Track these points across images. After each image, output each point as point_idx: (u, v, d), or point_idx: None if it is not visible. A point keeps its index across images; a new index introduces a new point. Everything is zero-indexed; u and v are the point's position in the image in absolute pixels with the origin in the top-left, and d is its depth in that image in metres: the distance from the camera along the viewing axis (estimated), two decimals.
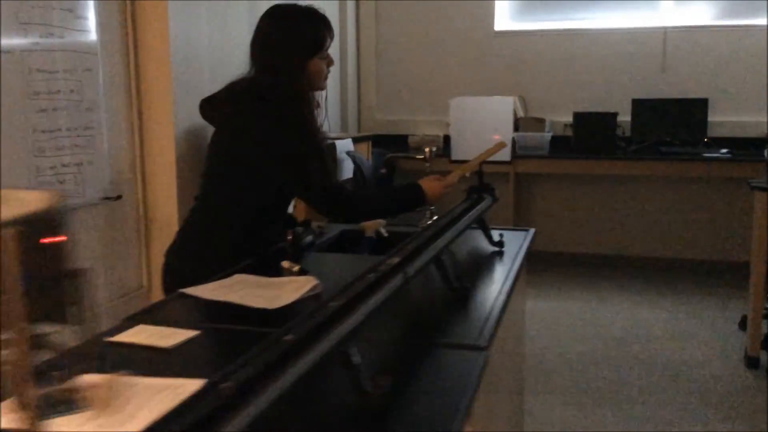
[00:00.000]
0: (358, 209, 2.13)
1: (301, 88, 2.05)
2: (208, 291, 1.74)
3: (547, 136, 5.37)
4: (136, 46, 3.34)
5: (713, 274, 5.32)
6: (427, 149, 2.29)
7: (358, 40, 5.98)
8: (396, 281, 1.37)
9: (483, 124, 2.27)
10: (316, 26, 2.13)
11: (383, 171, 2.49)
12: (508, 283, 1.87)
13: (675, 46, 5.40)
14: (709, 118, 5.23)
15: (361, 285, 1.26)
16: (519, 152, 5.32)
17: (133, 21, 3.29)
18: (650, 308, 4.65)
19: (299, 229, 2.22)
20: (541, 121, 5.48)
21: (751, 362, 3.67)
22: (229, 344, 1.50)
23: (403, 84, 5.92)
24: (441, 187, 2.17)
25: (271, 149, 2.03)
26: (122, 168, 3.30)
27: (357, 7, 5.93)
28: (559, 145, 5.41)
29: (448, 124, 5.78)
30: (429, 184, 2.18)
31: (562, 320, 4.42)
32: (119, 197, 3.22)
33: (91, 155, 3.11)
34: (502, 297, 1.75)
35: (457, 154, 2.29)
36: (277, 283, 1.82)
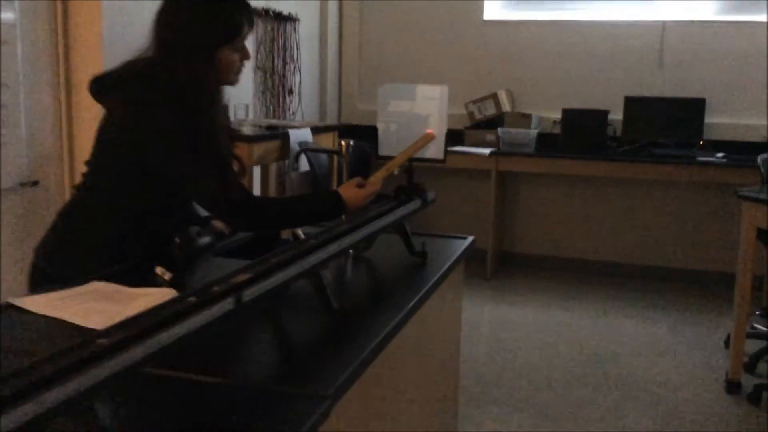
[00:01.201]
0: (262, 220, 1.82)
1: (205, 79, 1.75)
2: (41, 303, 1.47)
3: (533, 132, 5.07)
4: (65, 19, 3.07)
5: (703, 284, 5.00)
6: (343, 142, 2.00)
7: (340, 26, 5.69)
8: (217, 309, 1.09)
9: (414, 115, 1.96)
10: (233, 10, 1.82)
11: (299, 167, 2.19)
12: (409, 303, 1.59)
13: (673, 41, 5.07)
14: (706, 120, 4.91)
15: (151, 317, 0.98)
16: (503, 148, 5.04)
17: None
18: (631, 320, 4.34)
19: (193, 229, 1.95)
20: (528, 116, 5.19)
21: (731, 387, 3.37)
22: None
23: (387, 73, 5.62)
24: (363, 196, 1.89)
25: (161, 144, 1.74)
26: (44, 152, 3.03)
27: None
28: (546, 143, 5.12)
29: None
30: (349, 192, 1.89)
31: (534, 332, 4.12)
32: (36, 183, 2.96)
33: (5, 136, 2.85)
34: (392, 324, 1.46)
35: (384, 149, 1.98)
36: (131, 295, 1.55)
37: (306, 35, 5.13)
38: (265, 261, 1.35)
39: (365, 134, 5.80)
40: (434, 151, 2.04)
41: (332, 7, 5.51)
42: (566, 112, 5.05)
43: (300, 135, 3.40)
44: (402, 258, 1.99)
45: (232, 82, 1.84)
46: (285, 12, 4.75)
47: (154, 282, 1.69)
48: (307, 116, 5.21)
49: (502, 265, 5.42)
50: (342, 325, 1.47)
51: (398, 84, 2.04)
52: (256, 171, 4.24)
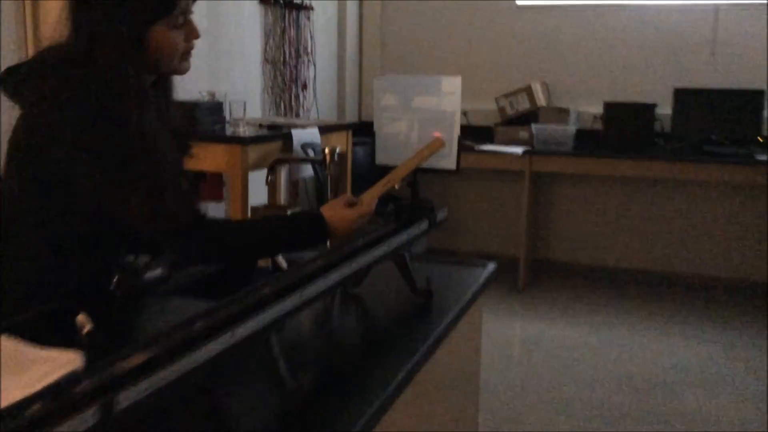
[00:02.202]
0: (215, 248, 1.40)
1: (130, 68, 1.32)
2: None
3: (572, 129, 4.60)
4: (35, 21, 2.73)
5: (765, 299, 4.48)
6: (326, 150, 1.59)
7: (360, 15, 5.27)
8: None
9: (420, 114, 1.53)
10: None
11: (270, 178, 1.77)
12: (407, 364, 1.17)
13: (728, 26, 4.55)
14: (765, 113, 4.38)
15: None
16: (537, 147, 4.58)
17: None
18: (681, 339, 3.85)
19: (142, 258, 1.55)
20: (566, 111, 4.72)
21: None
22: None
23: (411, 65, 5.19)
24: (353, 218, 1.48)
25: (74, 154, 1.33)
26: None
27: None
28: (586, 141, 4.65)
29: (464, 112, 5.06)
30: (335, 213, 1.48)
31: (572, 355, 3.66)
32: None
33: None
34: (383, 396, 1.05)
35: (381, 157, 1.56)
36: (31, 359, 1.15)
37: (322, 25, 4.72)
38: (221, 308, 0.98)
39: None
40: (445, 159, 1.62)
41: None
42: (608, 107, 4.57)
43: (305, 135, 3.00)
44: (404, 295, 1.57)
45: (178, 69, 1.42)
46: (297, 0, 4.35)
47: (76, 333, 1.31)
48: (323, 113, 4.80)
49: (536, 275, 4.96)
50: (304, 405, 1.06)
51: (399, 75, 1.62)
52: (257, 177, 3.84)
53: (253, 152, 2.85)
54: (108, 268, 1.45)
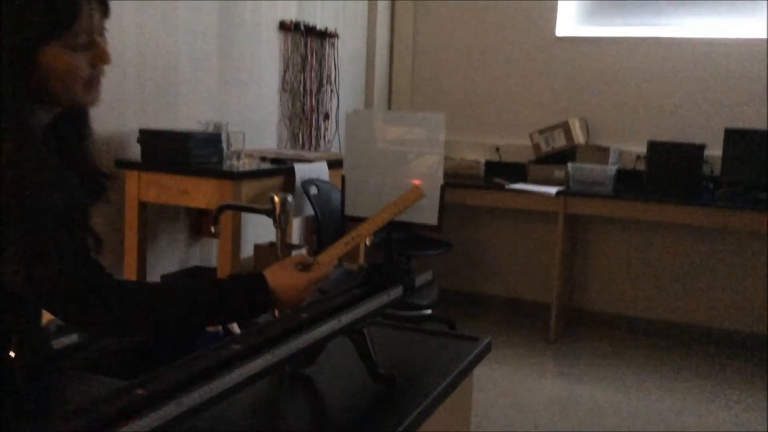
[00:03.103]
0: (118, 320, 1.12)
1: (14, 97, 1.05)
2: None
3: (612, 169, 4.26)
4: None
5: None
6: (276, 198, 1.33)
7: (391, 43, 5.05)
8: None
9: (396, 158, 1.25)
10: None
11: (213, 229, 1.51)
12: None
13: None
14: None
15: None
16: (573, 187, 4.26)
17: None
18: (729, 410, 3.45)
19: (50, 326, 1.31)
20: (605, 150, 4.39)
21: None
22: None
23: (442, 96, 4.95)
24: (304, 284, 1.22)
25: None
26: None
27: (392, 6, 5.01)
28: (627, 182, 4.31)
29: (496, 148, 4.80)
30: (282, 277, 1.22)
31: (608, 422, 3.30)
32: None
33: None
34: None
35: (351, 207, 1.29)
36: None
37: (348, 54, 4.51)
38: (140, 386, 0.75)
39: None
40: (425, 212, 1.34)
41: (381, 23, 4.88)
42: (652, 146, 4.23)
43: (309, 170, 2.76)
44: (367, 379, 1.29)
45: (81, 100, 1.15)
46: (320, 26, 4.14)
47: None
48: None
49: (569, 326, 4.60)
50: None
51: (372, 110, 1.36)
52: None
53: (249, 188, 2.62)
54: (7, 335, 1.21)
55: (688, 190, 4.12)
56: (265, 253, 3.19)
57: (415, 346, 1.50)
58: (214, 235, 1.45)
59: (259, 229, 3.52)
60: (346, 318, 1.19)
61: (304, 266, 1.27)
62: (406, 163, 1.35)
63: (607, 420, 3.28)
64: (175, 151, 2.61)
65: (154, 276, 2.82)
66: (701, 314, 4.44)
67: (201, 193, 2.57)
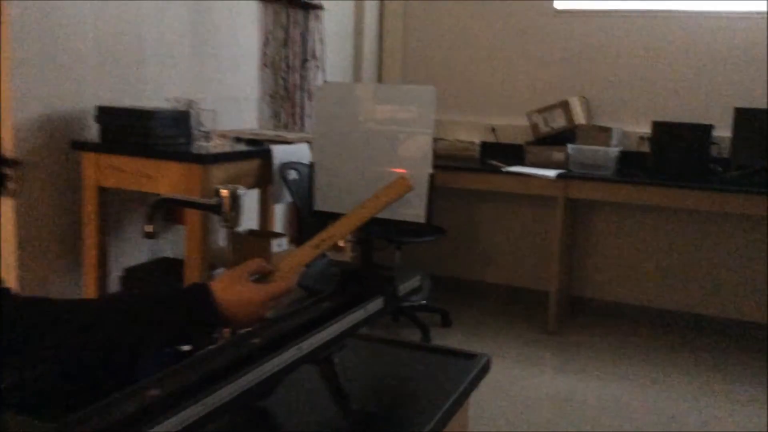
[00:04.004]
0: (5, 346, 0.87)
1: None
2: None
3: (614, 151, 4.02)
4: None
5: None
6: (224, 193, 1.08)
7: (381, 17, 4.76)
8: None
9: (376, 142, 0.99)
10: None
11: (149, 228, 1.25)
12: None
13: None
14: None
15: None
16: (574, 170, 4.01)
17: None
18: (735, 404, 3.23)
19: None
20: (607, 130, 4.14)
21: None
22: None
23: (436, 73, 4.68)
24: (258, 299, 0.97)
25: None
26: None
27: None
28: (631, 165, 4.07)
29: (492, 128, 4.54)
30: (233, 291, 0.97)
31: (601, 415, 3.07)
32: None
33: None
34: None
35: (322, 201, 1.02)
36: None
37: (334, 28, 4.23)
38: None
39: None
40: (411, 206, 1.09)
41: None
42: (657, 126, 3.98)
43: (289, 153, 2.49)
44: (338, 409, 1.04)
45: None
46: None
47: None
48: None
49: (570, 315, 4.37)
50: None
51: (347, 83, 1.10)
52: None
53: (219, 172, 2.36)
54: None
55: (695, 172, 3.89)
56: (244, 242, 2.93)
57: (399, 366, 1.26)
58: (150, 235, 1.21)
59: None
60: (310, 344, 0.94)
61: (261, 276, 1.02)
62: (389, 146, 1.10)
63: (610, 417, 3.06)
64: (136, 131, 2.35)
65: (116, 269, 2.57)
66: (709, 304, 4.21)
67: (165, 178, 2.30)
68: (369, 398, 1.04)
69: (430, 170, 1.07)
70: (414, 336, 3.86)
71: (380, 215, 1.10)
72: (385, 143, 1.09)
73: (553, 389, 3.40)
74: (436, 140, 4.51)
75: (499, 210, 4.62)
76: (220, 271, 2.91)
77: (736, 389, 3.41)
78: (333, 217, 1.13)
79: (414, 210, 1.08)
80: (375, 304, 1.09)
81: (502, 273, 4.65)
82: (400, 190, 1.06)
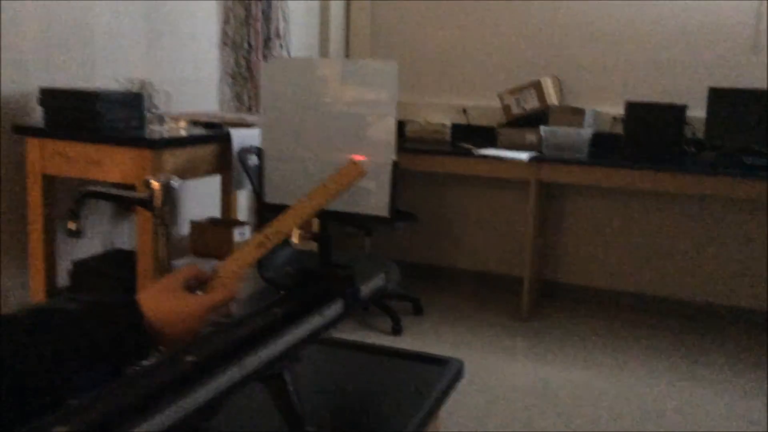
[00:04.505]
0: None
1: None
2: None
3: (587, 132, 3.92)
4: None
5: None
6: (155, 184, 0.95)
7: None
8: None
9: (330, 123, 0.85)
10: None
11: (73, 226, 1.12)
12: None
13: None
14: None
15: None
16: (546, 153, 3.91)
17: None
18: (716, 390, 3.17)
19: None
20: (580, 111, 4.05)
21: None
22: None
23: (405, 53, 4.54)
24: (197, 310, 0.85)
25: None
26: None
27: None
28: (603, 147, 3.99)
29: (463, 110, 4.42)
30: (164, 302, 0.84)
31: (577, 406, 3.00)
32: None
33: None
34: None
35: (271, 191, 0.88)
36: None
37: (299, 6, 4.07)
38: None
39: None
40: (372, 200, 0.96)
41: None
42: (631, 107, 3.89)
43: (249, 137, 2.34)
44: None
45: None
46: None
47: None
48: None
49: (543, 301, 4.30)
50: None
51: (297, 58, 0.96)
52: (203, 184, 3.20)
53: (173, 158, 2.20)
54: None
55: (669, 154, 3.82)
56: (204, 231, 2.79)
57: (362, 375, 1.13)
58: (75, 233, 1.08)
59: (202, 201, 3.11)
60: (255, 360, 0.81)
61: (198, 283, 0.89)
62: (347, 130, 0.96)
63: (585, 406, 2.98)
64: (82, 115, 2.18)
65: (65, 262, 2.41)
66: (685, 288, 4.16)
67: (114, 165, 2.15)
68: (327, 417, 0.92)
69: (394, 156, 0.95)
70: (385, 324, 3.75)
71: (339, 208, 0.97)
72: (342, 126, 0.96)
73: (526, 378, 3.31)
74: (405, 122, 4.39)
75: (470, 194, 4.52)
76: (183, 262, 2.76)
77: (714, 375, 3.36)
78: (281, 209, 1.00)
79: (376, 201, 0.96)
80: (334, 309, 0.97)
81: (474, 259, 4.56)
82: (352, 177, 0.93)
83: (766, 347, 3.70)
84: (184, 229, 2.94)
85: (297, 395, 0.88)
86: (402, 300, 3.99)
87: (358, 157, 0.96)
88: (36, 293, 2.34)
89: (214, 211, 3.26)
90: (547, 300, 4.32)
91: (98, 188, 1.07)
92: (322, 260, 1.00)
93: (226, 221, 2.83)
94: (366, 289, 1.05)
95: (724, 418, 2.94)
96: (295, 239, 0.99)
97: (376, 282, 1.08)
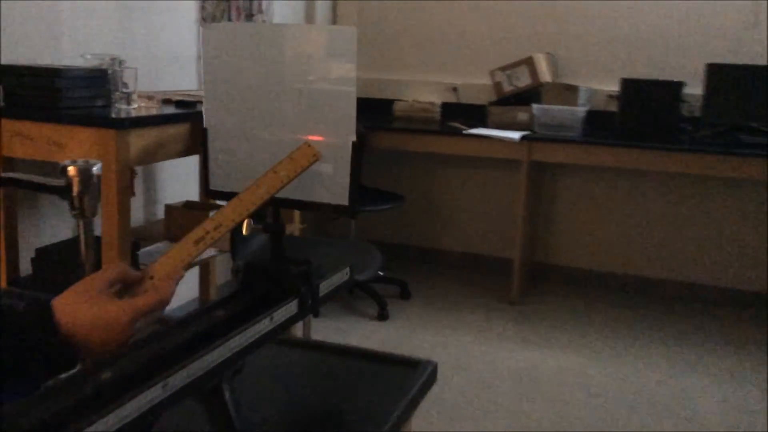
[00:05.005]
0: None
1: None
2: None
3: (581, 111, 3.80)
4: None
5: None
6: (71, 171, 0.83)
7: None
8: None
9: (280, 99, 0.72)
10: None
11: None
12: None
13: None
14: None
15: None
16: (539, 131, 3.80)
17: None
18: (711, 378, 3.08)
19: None
20: (574, 89, 3.93)
21: None
22: None
23: (393, 28, 4.40)
24: (122, 317, 0.73)
25: None
26: None
27: None
28: (598, 125, 3.88)
29: (453, 88, 4.30)
30: (84, 308, 0.73)
31: (567, 393, 2.90)
32: None
33: None
34: None
35: (216, 177, 0.76)
36: None
37: None
38: None
39: (369, 111, 4.62)
40: (330, 187, 0.85)
41: None
42: (626, 84, 3.77)
43: None
44: None
45: None
46: None
47: None
48: None
49: (534, 283, 4.20)
50: None
51: (244, 24, 0.84)
52: (178, 165, 3.07)
53: (140, 139, 2.08)
54: None
55: (665, 132, 3.70)
56: (178, 216, 2.67)
57: (323, 382, 1.02)
58: None
59: (179, 183, 2.99)
60: (185, 375, 0.70)
61: (126, 286, 0.78)
62: (300, 106, 0.85)
63: (576, 392, 2.89)
64: (43, 93, 2.05)
65: (28, 251, 2.29)
66: (681, 269, 4.07)
67: (76, 147, 2.02)
68: (290, 425, 0.81)
69: (354, 137, 0.83)
70: (371, 309, 3.65)
71: (293, 195, 0.86)
72: (295, 102, 0.84)
73: (515, 364, 3.21)
74: (393, 101, 4.26)
75: (460, 174, 4.40)
76: (154, 247, 2.64)
77: (708, 360, 3.27)
78: (229, 196, 0.88)
79: (335, 187, 0.84)
80: (286, 310, 0.86)
81: (464, 240, 4.45)
82: (304, 161, 0.81)
83: (766, 331, 3.61)
84: (160, 213, 2.82)
85: (238, 413, 0.77)
86: (389, 283, 3.89)
87: (314, 138, 0.85)
88: None
89: (192, 194, 3.14)
90: (537, 282, 4.22)
91: (15, 174, 0.95)
92: (273, 254, 0.89)
93: (202, 204, 2.71)
94: (326, 286, 0.93)
95: (720, 404, 2.85)
96: (244, 231, 0.88)
97: (339, 277, 0.97)
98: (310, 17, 4.27)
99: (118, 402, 0.64)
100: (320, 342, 1.10)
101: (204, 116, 0.90)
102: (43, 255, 2.22)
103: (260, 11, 3.70)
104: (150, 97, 2.34)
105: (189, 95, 2.53)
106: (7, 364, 0.72)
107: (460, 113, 4.18)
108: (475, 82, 4.24)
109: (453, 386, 2.91)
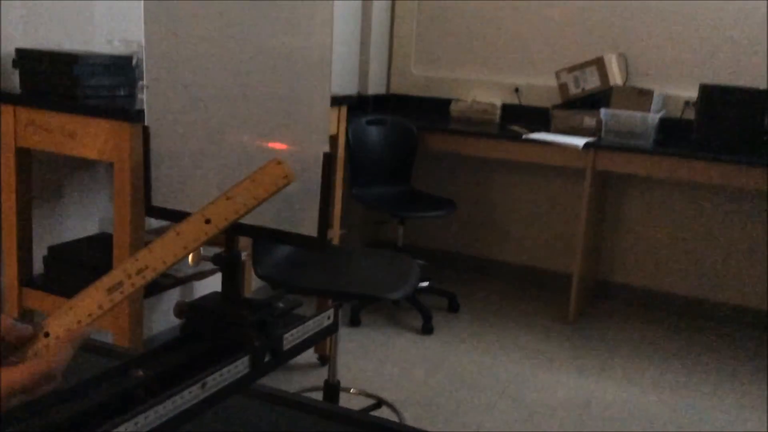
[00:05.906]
0: None
1: None
2: None
3: (654, 118, 3.50)
4: None
5: None
6: None
7: None
8: None
9: (236, 98, 0.51)
10: None
11: None
12: None
13: None
14: None
15: None
16: (606, 139, 3.51)
17: None
18: None
19: None
20: (647, 93, 3.61)
21: None
22: None
23: (453, 25, 4.17)
24: (4, 385, 0.53)
25: None
26: None
27: None
28: (672, 134, 3.58)
29: (515, 89, 4.04)
30: None
31: (628, 424, 2.62)
32: None
33: None
34: None
35: (158, 191, 0.55)
36: None
37: None
38: None
39: (425, 110, 4.41)
40: (294, 214, 0.64)
41: None
42: (706, 90, 3.44)
43: None
44: None
45: None
46: None
47: None
48: (342, 83, 3.86)
49: (593, 301, 3.90)
50: None
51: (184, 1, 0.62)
52: None
53: None
54: None
55: (748, 145, 3.37)
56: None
57: None
58: None
59: None
60: None
61: (13, 346, 0.58)
62: (260, 104, 0.64)
63: (633, 427, 2.60)
64: (61, 80, 1.91)
65: (41, 248, 2.16)
66: (753, 295, 3.70)
67: (90, 139, 1.87)
68: None
69: (326, 147, 0.62)
70: (415, 321, 3.43)
71: (247, 220, 0.65)
72: (253, 99, 0.64)
73: (566, 392, 2.94)
74: (451, 101, 4.04)
75: (518, 181, 4.13)
76: None
77: (755, 376, 2.93)
78: (176, 217, 0.68)
79: (300, 214, 0.63)
80: (230, 371, 0.65)
81: (519, 252, 4.18)
82: (271, 185, 0.60)
83: None
84: None
85: None
86: (437, 295, 3.66)
87: (277, 146, 0.63)
88: (10, 282, 2.10)
89: None
90: (597, 301, 3.92)
91: None
92: (223, 295, 0.69)
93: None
94: (296, 335, 0.72)
95: None
96: (190, 261, 0.69)
97: (317, 323, 0.75)
98: (366, 16, 4.08)
99: None
100: (294, 397, 0.88)
101: (146, 112, 0.70)
102: (55, 254, 2.08)
103: None
104: None
105: None
106: None
107: (522, 116, 3.93)
108: (538, 83, 3.97)
109: (496, 415, 2.67)
